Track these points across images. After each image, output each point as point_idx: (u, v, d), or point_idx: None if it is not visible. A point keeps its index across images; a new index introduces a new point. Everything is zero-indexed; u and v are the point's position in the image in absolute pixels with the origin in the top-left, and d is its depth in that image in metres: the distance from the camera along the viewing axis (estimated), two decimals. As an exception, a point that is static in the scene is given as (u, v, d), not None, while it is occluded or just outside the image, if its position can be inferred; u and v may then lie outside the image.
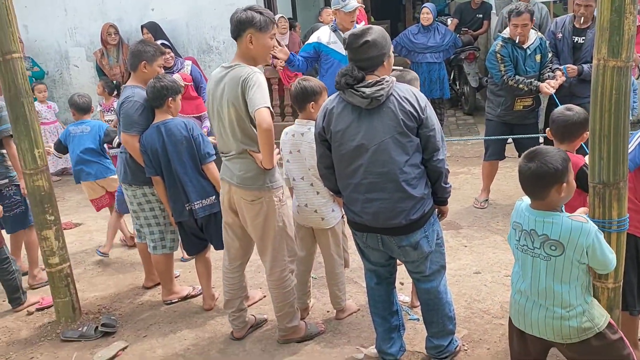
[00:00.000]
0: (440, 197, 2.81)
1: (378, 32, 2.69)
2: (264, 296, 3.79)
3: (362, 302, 3.62)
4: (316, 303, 3.76)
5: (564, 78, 4.87)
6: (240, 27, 2.92)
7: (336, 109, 2.72)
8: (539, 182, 2.21)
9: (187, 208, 3.59)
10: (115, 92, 6.83)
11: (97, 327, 3.63)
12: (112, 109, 6.76)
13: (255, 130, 2.91)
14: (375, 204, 2.69)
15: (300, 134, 3.26)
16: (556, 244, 2.21)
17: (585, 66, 4.94)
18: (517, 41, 4.79)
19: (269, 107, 2.82)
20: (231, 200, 3.13)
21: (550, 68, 4.92)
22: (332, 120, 2.73)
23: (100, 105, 6.94)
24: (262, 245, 3.16)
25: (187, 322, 3.70)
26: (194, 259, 3.95)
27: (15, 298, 3.99)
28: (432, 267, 2.87)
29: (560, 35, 5.08)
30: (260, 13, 2.93)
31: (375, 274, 3.03)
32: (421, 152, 2.68)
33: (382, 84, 2.61)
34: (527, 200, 2.36)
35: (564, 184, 2.22)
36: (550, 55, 4.95)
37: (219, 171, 3.24)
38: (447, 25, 7.90)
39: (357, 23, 5.96)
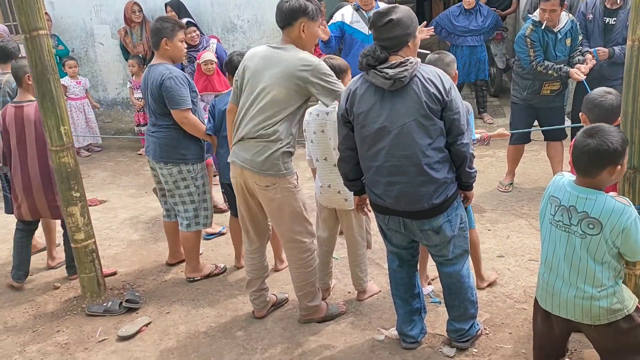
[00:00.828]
0: (464, 182, 2.76)
1: (404, 11, 2.63)
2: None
3: (384, 283, 3.61)
4: (338, 284, 3.77)
5: (594, 62, 4.73)
6: (292, 15, 2.90)
7: (359, 90, 2.69)
8: (596, 160, 2.14)
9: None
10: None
11: (121, 303, 3.69)
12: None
13: (289, 115, 2.95)
14: (397, 187, 2.67)
15: (325, 113, 3.24)
16: (595, 223, 2.16)
17: (617, 48, 4.80)
18: (543, 26, 4.62)
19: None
20: (246, 182, 3.11)
21: (580, 51, 4.78)
22: (355, 102, 2.70)
23: (130, 83, 7.01)
24: (280, 229, 3.18)
25: (210, 300, 3.74)
26: (217, 237, 4.00)
27: (72, 266, 4.00)
28: (455, 251, 2.84)
29: (590, 16, 4.93)
30: (311, 1, 2.92)
31: (398, 257, 3.02)
32: (445, 136, 2.63)
33: (406, 65, 2.56)
34: (568, 175, 2.31)
35: (619, 166, 2.16)
36: (580, 38, 4.81)
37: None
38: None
39: (381, 1, 5.90)
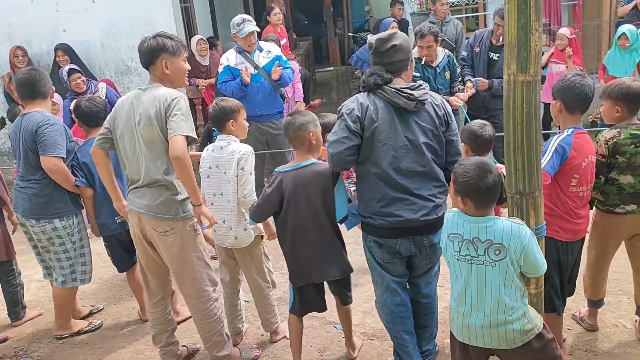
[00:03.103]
0: None
1: (403, 37, 2.83)
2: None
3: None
4: (250, 327, 3.67)
5: (474, 90, 5.07)
6: (152, 54, 2.88)
7: (376, 107, 2.75)
8: (496, 194, 2.30)
9: (118, 221, 3.53)
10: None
11: (13, 372, 3.39)
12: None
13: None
14: (419, 201, 2.76)
15: (220, 148, 3.23)
16: (500, 247, 2.26)
17: (496, 81, 5.18)
18: (423, 61, 4.90)
19: (187, 136, 2.77)
20: (143, 231, 2.99)
21: (460, 81, 5.10)
22: (374, 119, 2.73)
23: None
24: (180, 277, 3.05)
25: (115, 358, 3.51)
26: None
27: (14, 312, 3.99)
28: (435, 269, 2.98)
29: (477, 49, 5.30)
30: (170, 38, 2.93)
31: (400, 287, 2.92)
32: (446, 155, 2.84)
33: (424, 88, 2.77)
34: (455, 210, 2.40)
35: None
36: (458, 70, 5.13)
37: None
38: (366, 41, 8.06)
39: (277, 42, 6.01)
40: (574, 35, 6.42)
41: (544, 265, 2.35)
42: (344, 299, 3.16)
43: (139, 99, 2.89)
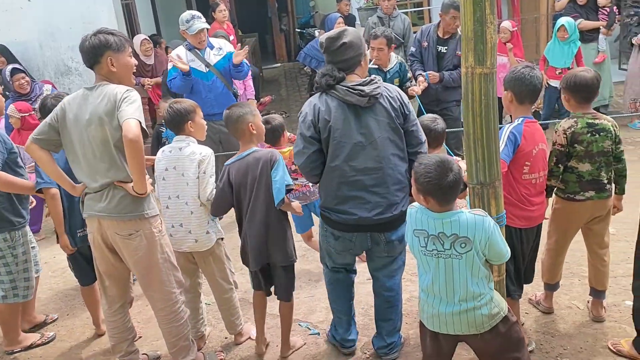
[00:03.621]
0: None
1: (353, 33, 2.81)
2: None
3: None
4: (212, 330, 3.61)
5: (426, 84, 5.15)
6: (96, 52, 2.74)
7: (329, 107, 2.78)
8: (456, 189, 2.32)
9: (80, 234, 3.33)
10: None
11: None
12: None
13: (123, 156, 2.70)
14: (374, 198, 2.78)
15: (179, 149, 3.15)
16: (465, 240, 2.29)
17: (446, 73, 5.27)
18: (372, 63, 4.81)
19: (140, 122, 2.62)
20: (104, 236, 2.87)
21: (407, 87, 5.06)
22: (328, 119, 2.77)
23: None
24: (146, 280, 2.95)
25: (71, 371, 3.39)
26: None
27: None
28: (399, 262, 2.99)
29: (425, 44, 5.37)
30: (112, 34, 2.80)
31: (337, 274, 3.11)
32: (407, 146, 2.85)
33: (376, 82, 2.77)
34: (417, 206, 2.42)
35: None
36: (409, 75, 5.13)
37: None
38: (314, 37, 8.05)
39: (226, 39, 5.92)
40: (516, 28, 6.60)
41: (507, 253, 2.41)
42: (282, 292, 3.16)
43: (86, 99, 2.75)
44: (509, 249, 2.41)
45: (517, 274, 3.02)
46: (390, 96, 2.81)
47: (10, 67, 5.81)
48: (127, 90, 2.71)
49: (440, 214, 2.33)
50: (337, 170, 2.80)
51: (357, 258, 3.21)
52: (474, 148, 2.46)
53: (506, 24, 6.58)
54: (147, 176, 2.81)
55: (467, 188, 2.55)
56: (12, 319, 3.54)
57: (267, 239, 3.02)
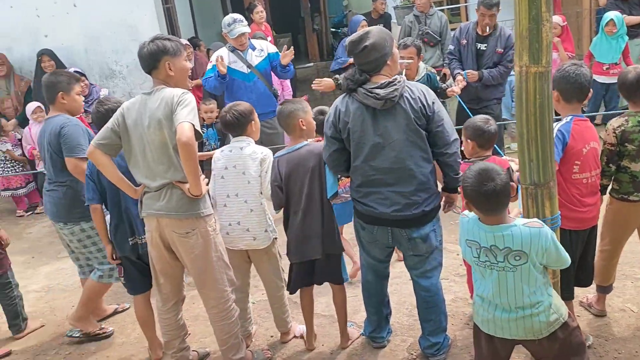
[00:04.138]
0: (451, 186, 2.98)
1: (376, 35, 2.79)
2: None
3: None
4: (259, 329, 3.65)
5: (464, 83, 5.08)
6: (154, 57, 2.84)
7: (349, 109, 2.83)
8: (503, 199, 2.26)
9: (131, 242, 3.27)
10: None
11: (21, 387, 3.31)
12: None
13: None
14: (393, 196, 2.82)
15: (239, 149, 3.23)
16: (520, 254, 2.25)
17: (485, 72, 5.20)
18: (403, 74, 4.72)
19: (193, 124, 2.69)
20: (162, 235, 2.94)
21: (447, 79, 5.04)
22: (347, 120, 2.84)
23: (7, 143, 6.46)
24: (201, 278, 3.01)
25: (123, 367, 3.47)
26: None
27: (15, 324, 3.95)
28: (433, 263, 2.98)
29: (464, 41, 5.31)
30: (169, 39, 2.90)
31: (373, 269, 3.15)
32: (432, 147, 2.85)
33: (395, 84, 2.75)
34: (470, 215, 2.39)
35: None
36: (442, 85, 4.90)
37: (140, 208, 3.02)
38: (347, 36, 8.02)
39: (263, 39, 5.98)
40: (566, 23, 6.46)
41: (567, 259, 2.35)
42: (336, 278, 3.25)
43: (144, 104, 2.85)
44: (568, 256, 2.36)
45: (566, 277, 2.96)
46: (411, 97, 2.78)
47: (72, 70, 5.98)
48: (183, 93, 2.79)
49: (492, 227, 2.28)
50: (359, 170, 2.89)
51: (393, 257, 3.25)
52: (527, 148, 2.43)
53: (556, 18, 6.42)
54: (203, 176, 2.88)
55: (519, 191, 2.52)
56: (95, 298, 3.75)
57: (322, 230, 3.10)
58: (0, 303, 3.91)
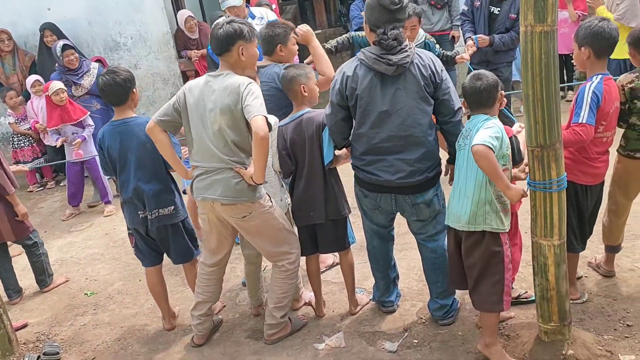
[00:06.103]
0: (455, 155, 2.92)
1: None
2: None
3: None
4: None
5: (475, 48, 5.00)
6: (229, 40, 2.83)
7: (356, 75, 2.80)
8: (482, 97, 2.59)
9: (141, 215, 3.26)
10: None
11: (39, 357, 3.39)
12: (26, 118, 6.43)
13: (243, 142, 2.86)
14: (398, 164, 2.82)
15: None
16: (468, 132, 2.65)
17: (497, 37, 5.10)
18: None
19: (266, 117, 2.74)
20: (219, 216, 3.01)
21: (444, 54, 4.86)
22: (354, 86, 2.80)
23: (12, 116, 6.48)
24: (264, 249, 3.12)
25: (137, 337, 3.54)
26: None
27: (42, 279, 4.23)
28: (438, 226, 3.00)
29: (478, 3, 5.18)
30: (244, 24, 2.89)
31: (377, 235, 3.17)
32: (437, 115, 2.85)
33: (407, 51, 2.73)
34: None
35: (499, 95, 2.65)
36: (443, 51, 4.72)
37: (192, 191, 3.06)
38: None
39: (269, 8, 5.89)
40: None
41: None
42: (341, 243, 3.27)
43: (209, 86, 2.86)
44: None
45: (581, 230, 3.00)
46: (421, 64, 2.76)
47: (61, 42, 5.96)
48: (250, 83, 2.80)
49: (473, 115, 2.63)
50: (364, 137, 2.86)
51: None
52: (533, 109, 2.40)
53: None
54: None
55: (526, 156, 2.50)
56: None
57: (324, 195, 3.12)
58: (28, 261, 4.20)
